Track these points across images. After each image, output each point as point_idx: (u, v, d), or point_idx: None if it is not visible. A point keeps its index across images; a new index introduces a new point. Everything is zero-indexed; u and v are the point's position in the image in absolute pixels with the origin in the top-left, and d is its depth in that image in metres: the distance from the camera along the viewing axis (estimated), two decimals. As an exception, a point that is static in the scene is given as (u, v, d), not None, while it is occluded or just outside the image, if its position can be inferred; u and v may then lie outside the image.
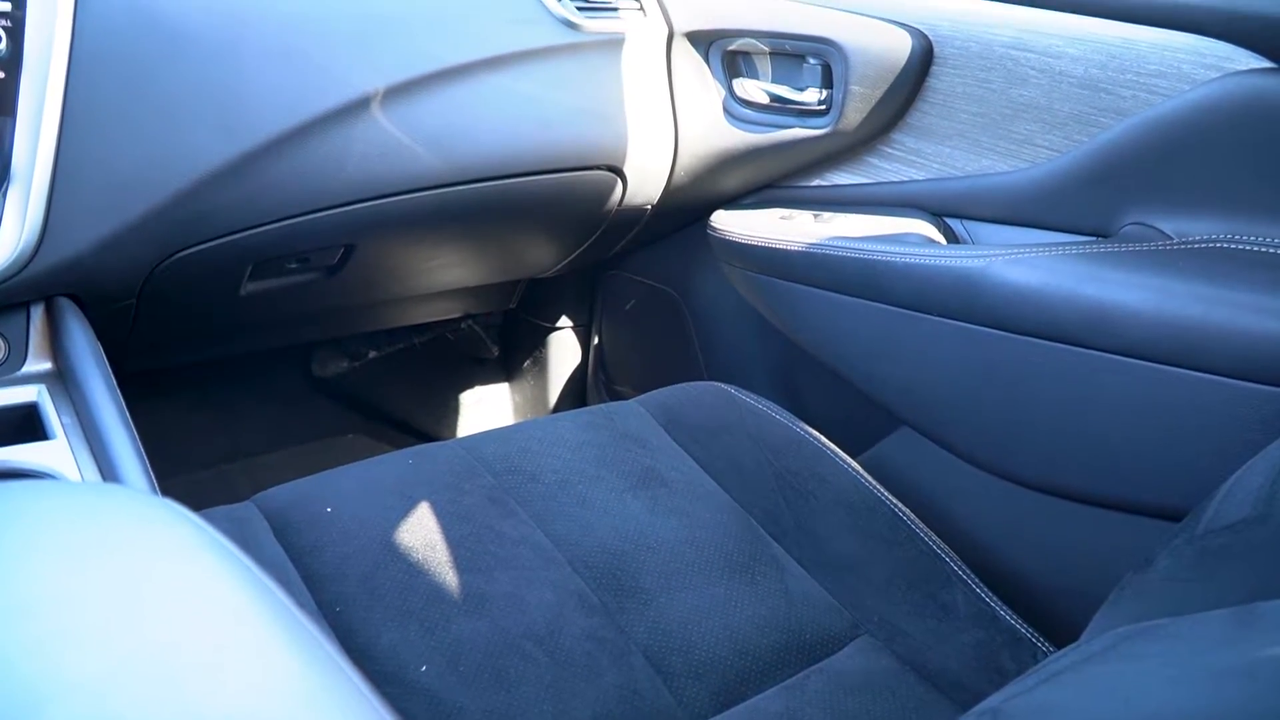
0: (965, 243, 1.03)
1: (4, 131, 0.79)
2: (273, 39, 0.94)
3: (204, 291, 1.04)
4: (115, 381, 0.81)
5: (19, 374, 0.82)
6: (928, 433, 1.02)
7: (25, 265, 0.80)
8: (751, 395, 1.04)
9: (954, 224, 1.05)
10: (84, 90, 0.82)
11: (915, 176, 1.07)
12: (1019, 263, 0.88)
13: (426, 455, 0.91)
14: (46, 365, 0.84)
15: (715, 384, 1.07)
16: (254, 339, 1.32)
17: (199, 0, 0.91)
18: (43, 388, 0.81)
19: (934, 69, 1.01)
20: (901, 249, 0.97)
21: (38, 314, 0.85)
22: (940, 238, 1.03)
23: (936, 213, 1.06)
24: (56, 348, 0.84)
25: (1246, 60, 0.78)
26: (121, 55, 0.85)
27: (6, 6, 0.80)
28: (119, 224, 0.85)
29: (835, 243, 1.03)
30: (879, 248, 0.99)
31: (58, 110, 0.80)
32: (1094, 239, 0.91)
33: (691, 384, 1.08)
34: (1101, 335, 0.82)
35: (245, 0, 0.94)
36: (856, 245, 1.01)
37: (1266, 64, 0.78)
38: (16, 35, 0.80)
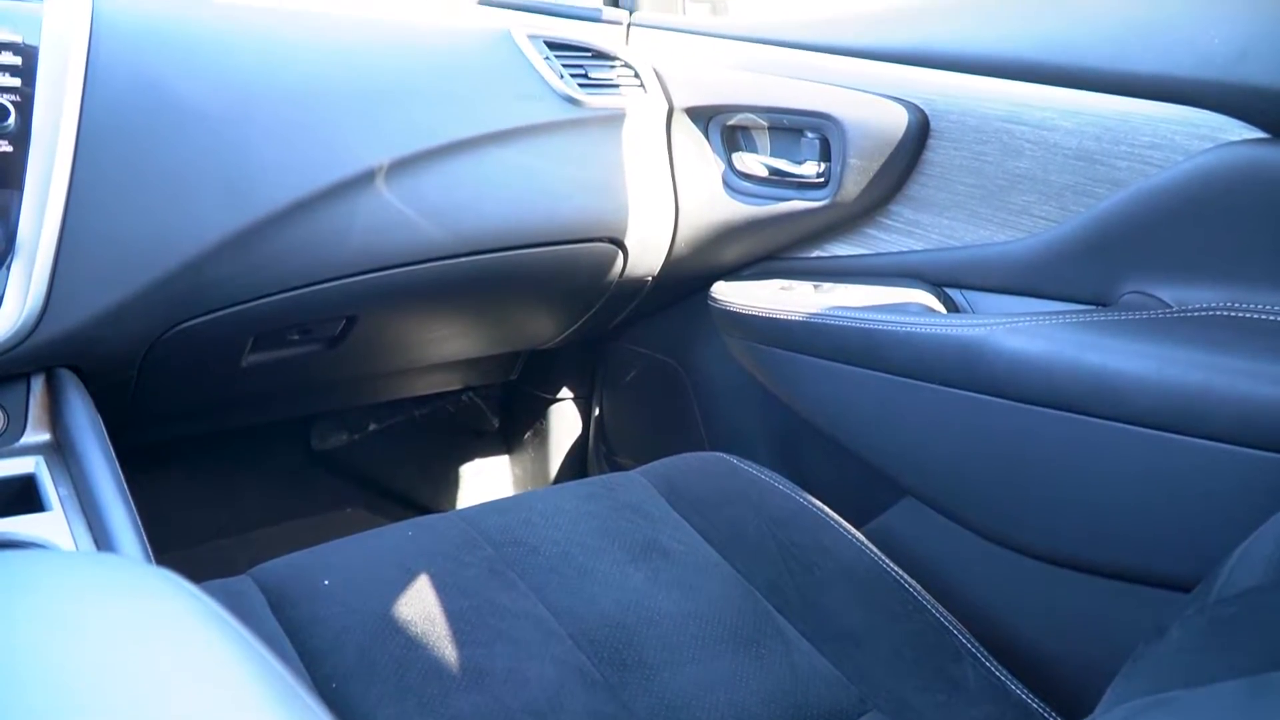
0: (966, 312, 1.04)
1: (10, 205, 0.80)
2: (279, 112, 0.95)
3: (205, 363, 1.04)
4: (114, 454, 0.80)
5: (17, 445, 0.82)
6: (932, 503, 1.01)
7: (27, 337, 0.80)
8: (754, 465, 1.04)
9: (954, 293, 1.05)
10: (91, 164, 0.83)
11: (914, 247, 1.08)
12: (1020, 331, 0.88)
13: (425, 527, 0.90)
14: (45, 436, 0.83)
15: (717, 454, 1.07)
16: (254, 411, 1.32)
17: (206, 74, 0.93)
18: (41, 459, 0.80)
19: (930, 142, 1.02)
20: (902, 318, 0.97)
21: (38, 385, 0.85)
22: (940, 307, 1.03)
23: (936, 282, 1.06)
24: (56, 419, 0.84)
25: (1239, 131, 0.80)
26: (129, 129, 0.87)
27: (16, 82, 0.81)
28: (122, 296, 0.85)
29: (836, 312, 1.04)
30: (879, 317, 0.99)
31: (65, 184, 0.81)
32: (1094, 307, 0.92)
33: (693, 454, 1.07)
34: (1104, 403, 0.82)
35: (252, 74, 0.96)
36: (857, 315, 1.01)
37: (1259, 134, 0.79)
38: (25, 110, 0.81)
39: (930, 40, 1.01)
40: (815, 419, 1.12)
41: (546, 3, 1.32)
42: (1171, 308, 0.85)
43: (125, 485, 0.78)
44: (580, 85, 1.16)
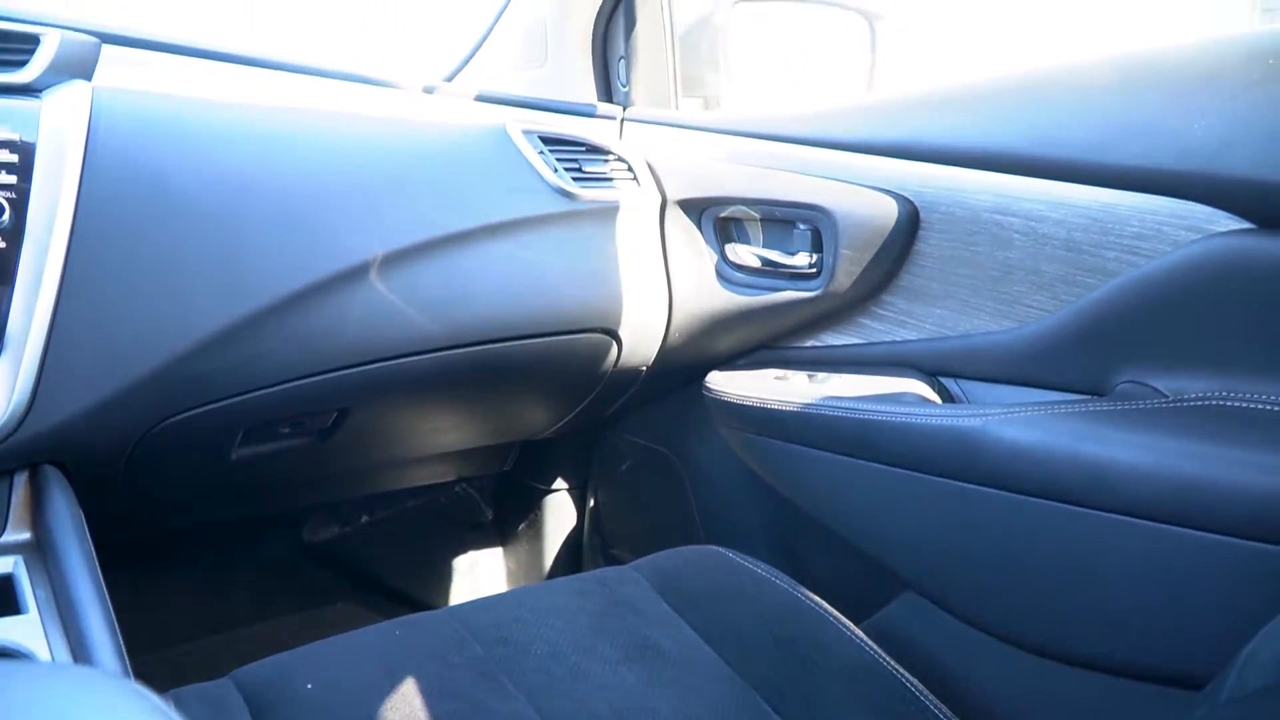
0: (961, 402, 1.03)
1: (1, 301, 0.80)
2: (275, 205, 0.96)
3: (193, 457, 1.03)
4: (95, 554, 0.79)
5: None
6: (932, 596, 0.99)
7: (11, 433, 0.79)
8: (750, 559, 1.02)
9: (949, 383, 1.05)
10: (84, 259, 0.83)
11: (908, 336, 1.08)
12: (1015, 421, 0.87)
13: (414, 626, 0.87)
14: (25, 535, 0.82)
15: (713, 548, 1.05)
16: (243, 504, 1.30)
17: (204, 168, 0.94)
18: (19, 559, 0.78)
19: (921, 233, 1.03)
20: (898, 408, 0.97)
21: (20, 482, 0.83)
22: (935, 397, 1.02)
23: (931, 372, 1.06)
24: (37, 517, 0.82)
25: (1225, 222, 0.80)
26: (124, 224, 0.87)
27: (11, 179, 0.82)
28: (111, 391, 0.84)
29: (831, 403, 1.03)
30: (875, 407, 0.99)
31: (56, 279, 0.81)
32: (1089, 397, 0.91)
33: (689, 548, 1.06)
34: (1101, 494, 0.81)
35: (249, 168, 0.97)
36: (852, 405, 1.01)
37: (1244, 225, 0.79)
38: (20, 206, 0.82)
39: (918, 133, 1.02)
40: (812, 511, 1.10)
41: (542, 98, 1.34)
42: (1167, 397, 0.84)
43: (105, 590, 0.76)
44: (574, 179, 1.17)
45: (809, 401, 1.05)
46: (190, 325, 0.88)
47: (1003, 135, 0.93)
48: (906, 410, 0.96)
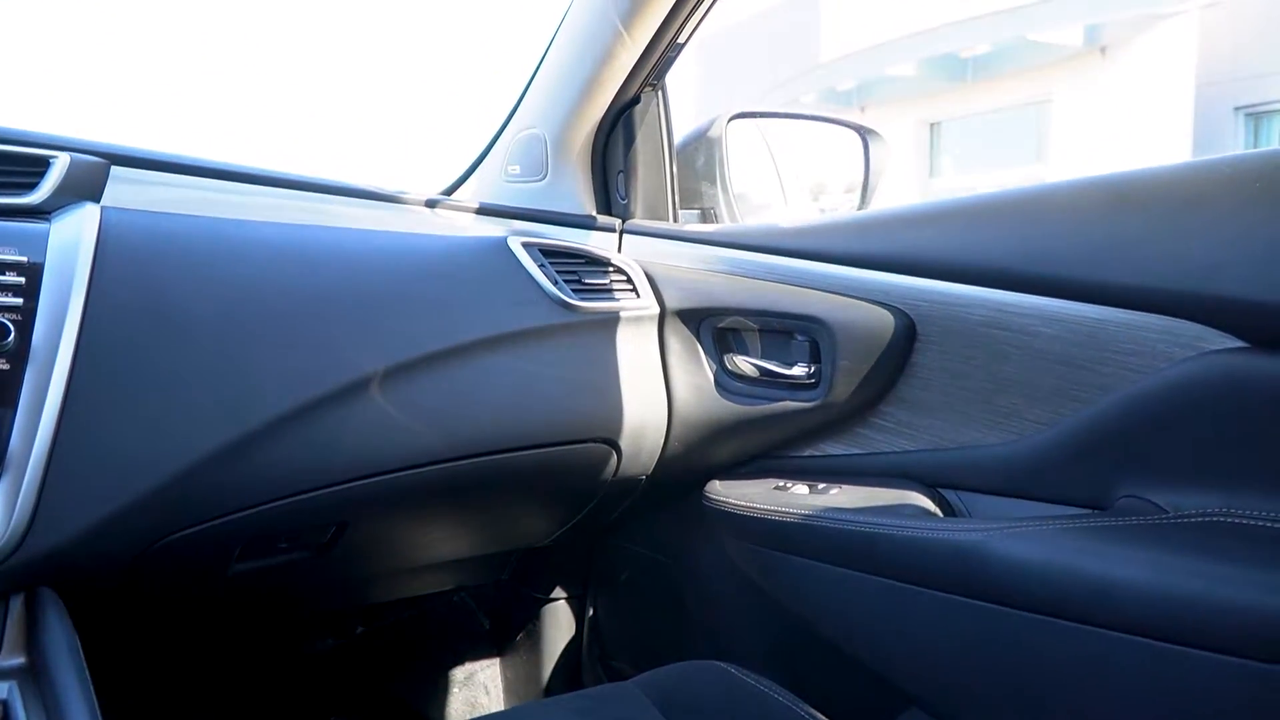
0: (961, 514, 1.03)
1: (3, 422, 0.80)
2: (277, 322, 0.97)
3: (190, 573, 1.02)
4: (89, 678, 0.77)
5: None
6: (937, 713, 0.97)
7: (9, 556, 0.79)
8: (751, 674, 1.00)
9: (949, 494, 1.04)
10: (88, 379, 0.84)
11: (907, 447, 1.08)
12: (1016, 536, 0.87)
13: None
14: (20, 660, 0.80)
15: (713, 664, 1.03)
16: (238, 617, 1.28)
17: (208, 287, 0.95)
18: (14, 685, 0.77)
19: (918, 345, 1.04)
20: (899, 522, 0.96)
21: (16, 605, 0.82)
22: (936, 509, 1.02)
23: (930, 483, 1.06)
24: (32, 641, 0.81)
25: (1218, 339, 0.81)
26: (128, 343, 0.88)
27: (18, 301, 0.83)
28: (111, 511, 0.84)
29: (832, 515, 1.03)
30: (877, 520, 0.98)
31: (59, 400, 0.82)
32: (1090, 512, 0.91)
33: (689, 663, 1.04)
34: (1103, 612, 0.80)
35: (253, 284, 0.98)
36: (854, 518, 1.00)
37: (1237, 343, 0.80)
38: (25, 328, 0.83)
39: (914, 248, 1.04)
40: (814, 624, 1.09)
41: (543, 209, 1.37)
42: (1168, 513, 0.84)
43: (99, 716, 0.75)
44: (574, 290, 1.19)
45: (810, 513, 1.05)
46: (191, 444, 0.89)
47: (997, 251, 0.95)
48: (908, 524, 0.95)
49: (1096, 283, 0.87)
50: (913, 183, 11.91)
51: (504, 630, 1.58)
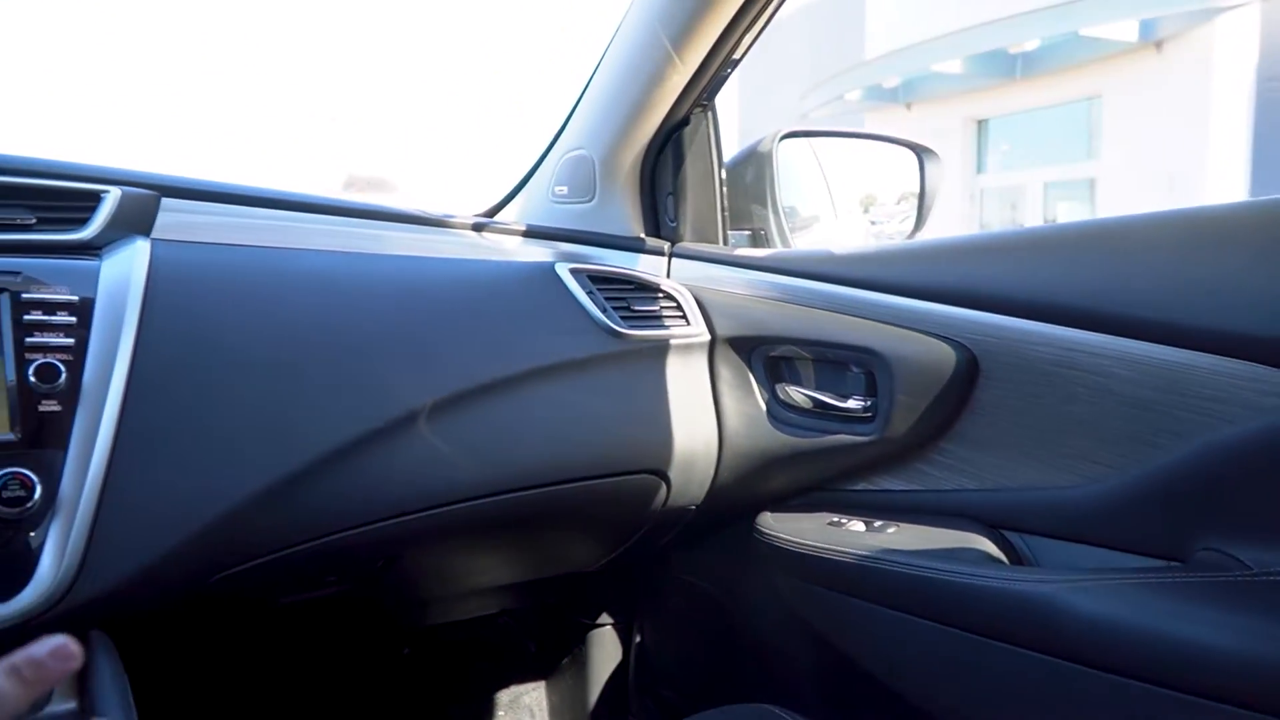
0: (1025, 558, 0.99)
1: (54, 464, 0.79)
2: (326, 356, 0.96)
3: (239, 609, 1.01)
4: None
5: (43, 715, 0.78)
6: None
7: (60, 599, 0.78)
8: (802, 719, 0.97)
9: (1012, 537, 1.01)
10: (138, 420, 0.83)
11: (968, 485, 1.04)
12: (1088, 591, 0.83)
13: None
14: (71, 705, 0.80)
15: (763, 707, 1.00)
16: (286, 646, 1.28)
17: (257, 323, 0.94)
18: None
19: (981, 381, 1.00)
20: (961, 568, 0.93)
21: None
22: (999, 553, 0.98)
23: (992, 524, 1.02)
24: (83, 685, 0.80)
25: (1309, 388, 0.77)
26: (179, 381, 0.87)
27: (69, 341, 0.82)
28: (160, 553, 0.83)
29: (889, 556, 1.00)
30: (937, 565, 0.95)
31: (110, 442, 0.81)
32: (1165, 563, 0.87)
33: (741, 707, 1.01)
34: (1182, 675, 0.76)
35: (302, 318, 0.97)
36: (912, 561, 0.97)
37: (1329, 393, 0.76)
38: (76, 368, 0.82)
39: (978, 280, 1.00)
40: (869, 669, 1.05)
41: (590, 231, 1.35)
42: (1251, 569, 0.80)
43: None
44: (623, 318, 1.17)
45: (867, 553, 1.01)
46: (240, 483, 0.87)
47: (1069, 287, 0.91)
48: (970, 571, 0.92)
49: (1175, 324, 0.83)
50: (957, 180, 11.74)
51: (550, 654, 1.56)
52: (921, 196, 1.49)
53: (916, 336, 1.04)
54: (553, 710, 1.55)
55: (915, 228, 1.52)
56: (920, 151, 1.49)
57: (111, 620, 0.85)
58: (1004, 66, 11.18)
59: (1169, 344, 0.84)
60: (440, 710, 1.53)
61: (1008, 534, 1.01)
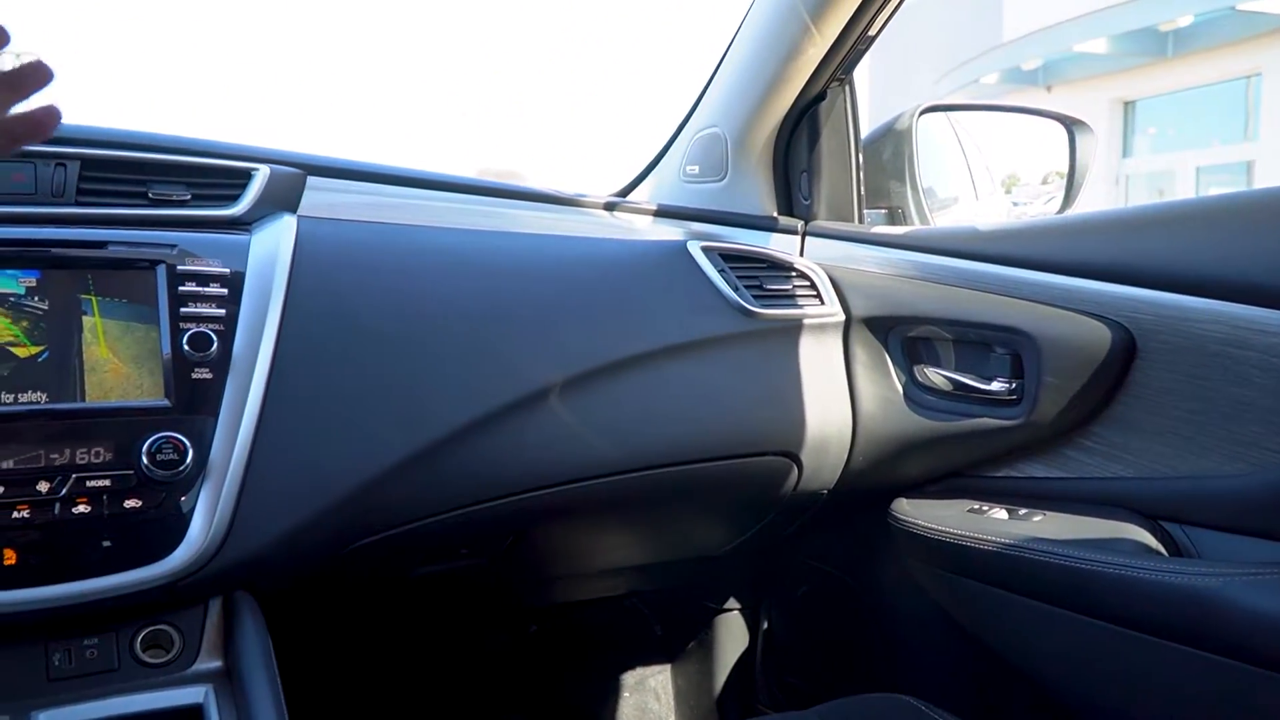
0: (1187, 551, 0.93)
1: (205, 430, 0.82)
2: (458, 335, 0.97)
3: (375, 578, 1.04)
4: (280, 684, 0.79)
5: (189, 672, 0.82)
6: None
7: (209, 561, 0.81)
8: (940, 712, 0.93)
9: (1171, 528, 0.94)
10: (283, 390, 0.85)
11: (1122, 473, 0.98)
12: (1264, 586, 0.77)
13: None
14: (217, 663, 0.83)
15: (899, 698, 0.97)
16: (419, 618, 1.31)
17: (394, 299, 0.96)
18: (210, 689, 0.80)
19: (1138, 362, 0.94)
20: (1116, 559, 0.88)
21: (215, 609, 0.85)
22: (1157, 545, 0.92)
23: (1149, 515, 0.96)
24: (229, 644, 0.84)
25: None
26: (320, 356, 0.89)
27: (220, 312, 0.85)
28: (303, 519, 0.86)
29: (1036, 545, 0.95)
30: (1088, 555, 0.90)
31: (257, 410, 0.84)
32: None
33: (874, 696, 0.98)
34: None
35: (435, 297, 0.99)
36: (1062, 551, 0.92)
37: None
38: (227, 338, 0.85)
39: (1135, 255, 0.94)
40: (1012, 659, 1.01)
41: (722, 210, 1.33)
42: None
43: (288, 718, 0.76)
44: (755, 296, 1.14)
45: (1012, 541, 0.97)
46: (377, 454, 0.89)
47: (1239, 261, 0.85)
48: (1127, 562, 0.86)
49: None
50: (1102, 165, 11.22)
51: (675, 638, 1.55)
52: (1071, 173, 1.41)
53: (1067, 315, 0.98)
54: (678, 694, 1.54)
55: (1063, 206, 1.44)
56: (1071, 125, 1.41)
57: (254, 584, 0.88)
58: (1154, 45, 10.62)
59: None
60: (565, 689, 1.54)
61: (1165, 524, 0.95)
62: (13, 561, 0.75)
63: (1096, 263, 0.98)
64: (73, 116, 0.82)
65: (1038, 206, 1.63)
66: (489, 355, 0.97)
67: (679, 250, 1.18)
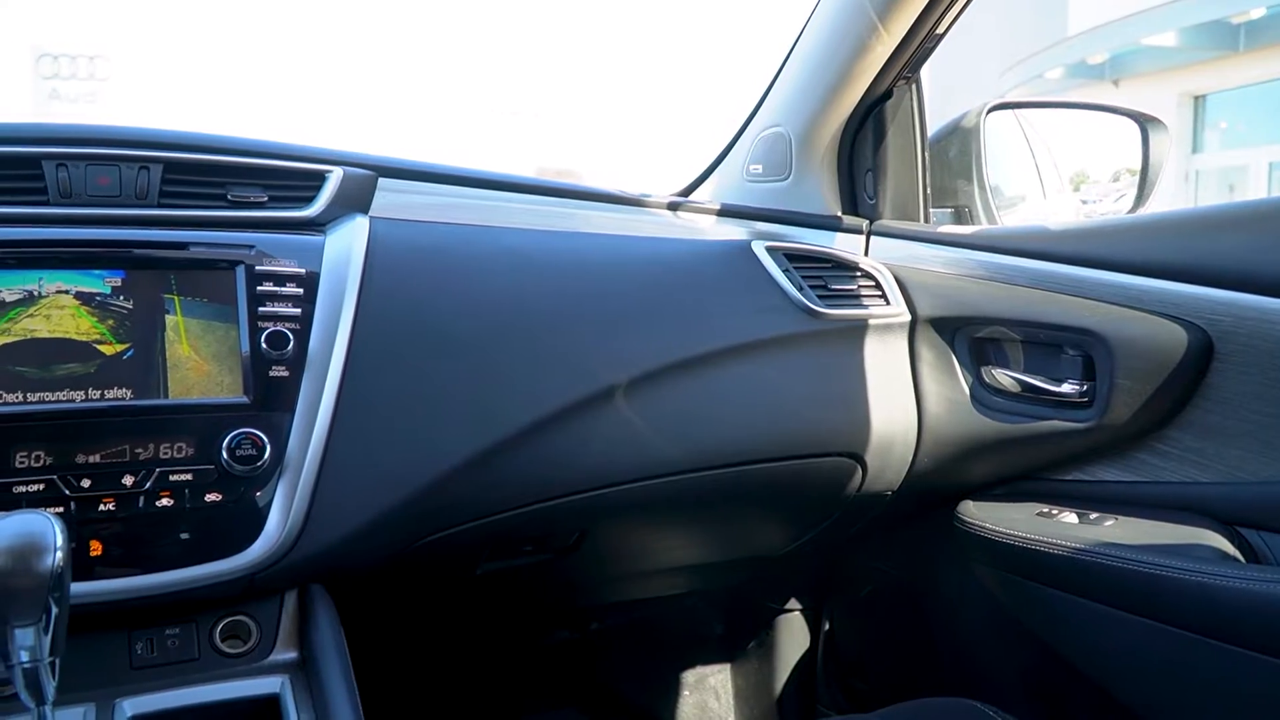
0: (1265, 558, 0.91)
1: (282, 426, 0.84)
2: (527, 337, 0.98)
3: (443, 572, 1.05)
4: (353, 675, 0.81)
5: (265, 663, 0.84)
6: None
7: (286, 553, 0.83)
8: (1006, 718, 0.92)
9: (1250, 535, 0.92)
10: (356, 388, 0.87)
11: (1198, 478, 0.96)
12: None
13: None
14: (292, 654, 0.85)
15: (965, 702, 0.96)
16: (483, 612, 1.32)
17: (463, 299, 0.98)
18: (286, 680, 0.82)
19: (1215, 365, 0.92)
20: (1192, 565, 0.86)
21: (291, 601, 0.87)
22: (1236, 552, 0.90)
23: (1227, 521, 0.94)
24: (304, 636, 0.86)
25: None
26: (392, 352, 0.91)
27: (296, 311, 0.88)
28: (375, 514, 0.87)
29: (1108, 550, 0.93)
30: (1163, 561, 0.88)
31: (331, 407, 0.86)
32: None
33: (939, 700, 0.97)
34: None
35: (503, 297, 1.00)
36: (1135, 557, 0.90)
37: None
38: (303, 336, 0.87)
39: (1213, 255, 0.92)
40: (1080, 665, 0.99)
41: (786, 210, 1.32)
42: None
43: (361, 712, 0.78)
44: (820, 296, 1.14)
45: (1083, 546, 0.95)
46: (446, 452, 0.91)
47: None
48: (1207, 569, 0.85)
49: None
50: (1172, 159, 10.94)
51: (736, 637, 1.55)
52: (1144, 171, 1.38)
53: (1142, 316, 0.97)
54: (738, 694, 1.54)
55: (1136, 205, 1.41)
56: (1143, 121, 1.38)
57: (328, 578, 0.90)
58: (1225, 38, 10.34)
59: None
60: (625, 686, 1.55)
61: (1245, 532, 0.93)
62: (98, 553, 0.78)
63: (1172, 263, 0.96)
64: (155, 121, 0.85)
65: (1107, 205, 1.60)
66: (555, 355, 0.98)
67: (743, 250, 1.18)
